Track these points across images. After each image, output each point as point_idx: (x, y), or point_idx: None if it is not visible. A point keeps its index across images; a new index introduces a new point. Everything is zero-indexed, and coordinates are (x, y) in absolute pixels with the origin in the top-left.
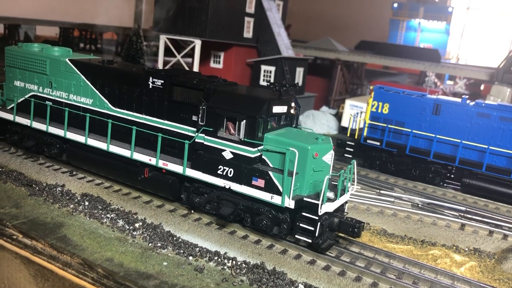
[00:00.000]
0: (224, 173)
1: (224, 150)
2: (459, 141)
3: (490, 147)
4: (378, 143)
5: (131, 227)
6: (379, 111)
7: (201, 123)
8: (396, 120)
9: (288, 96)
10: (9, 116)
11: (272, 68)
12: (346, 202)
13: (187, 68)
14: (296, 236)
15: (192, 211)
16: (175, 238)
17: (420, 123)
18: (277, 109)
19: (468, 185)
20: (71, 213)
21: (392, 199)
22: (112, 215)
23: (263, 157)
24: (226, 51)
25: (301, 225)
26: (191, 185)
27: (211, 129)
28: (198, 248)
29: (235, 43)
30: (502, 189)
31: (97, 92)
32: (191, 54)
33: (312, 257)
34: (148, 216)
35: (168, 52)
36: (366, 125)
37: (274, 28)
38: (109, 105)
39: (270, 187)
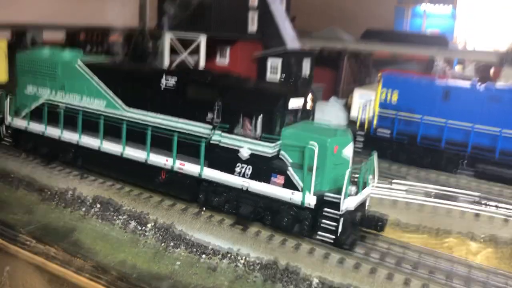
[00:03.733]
0: (242, 171)
1: (241, 147)
2: (471, 126)
3: (503, 131)
4: (389, 132)
5: (143, 228)
6: (388, 98)
7: (216, 121)
8: (406, 107)
9: (304, 90)
10: (22, 124)
11: (279, 61)
12: (368, 196)
13: (192, 65)
14: (319, 233)
15: (204, 209)
16: (187, 237)
17: (430, 109)
18: (294, 103)
19: (482, 171)
20: (83, 217)
21: (405, 189)
22: (124, 217)
23: (281, 153)
24: (232, 46)
25: (323, 221)
26: (209, 185)
27: (227, 127)
28: (210, 247)
29: (240, 38)
30: None
31: (110, 93)
32: (197, 52)
33: (326, 251)
34: (159, 216)
35: (174, 51)
36: (376, 114)
37: (278, 21)
38: (123, 106)
39: (290, 184)
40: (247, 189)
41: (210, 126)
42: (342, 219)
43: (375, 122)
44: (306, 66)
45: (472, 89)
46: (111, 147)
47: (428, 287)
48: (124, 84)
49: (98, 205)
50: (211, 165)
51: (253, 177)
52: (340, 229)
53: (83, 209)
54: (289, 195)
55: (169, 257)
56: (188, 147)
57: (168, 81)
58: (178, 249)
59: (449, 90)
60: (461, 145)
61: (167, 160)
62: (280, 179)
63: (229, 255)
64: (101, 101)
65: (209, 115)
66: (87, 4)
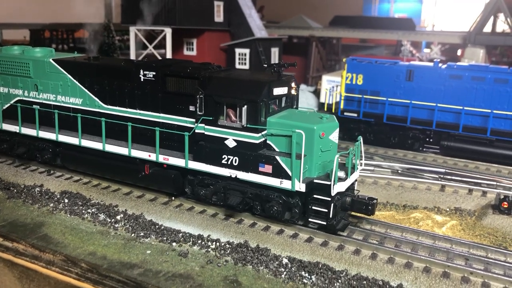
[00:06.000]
0: (229, 162)
1: (226, 139)
2: (434, 104)
3: (465, 108)
4: (355, 115)
5: (113, 219)
6: (354, 82)
7: (199, 113)
8: (371, 90)
9: (287, 77)
10: None
11: (247, 51)
12: (356, 180)
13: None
14: (310, 219)
15: (173, 198)
16: (157, 226)
17: (394, 90)
18: (278, 91)
19: (447, 147)
20: (51, 212)
21: (372, 168)
22: (93, 210)
23: (267, 142)
24: (199, 38)
25: (313, 207)
26: (195, 178)
27: (211, 118)
28: (181, 234)
29: (206, 29)
30: (480, 148)
31: (86, 90)
32: (165, 45)
33: (294, 231)
34: (129, 208)
35: (140, 44)
36: (342, 97)
37: (244, 10)
38: (100, 103)
39: (279, 172)
40: (235, 177)
41: (193, 119)
42: (333, 204)
43: (342, 105)
44: (275, 54)
45: (434, 68)
46: (91, 144)
47: (394, 260)
48: (101, 79)
49: (66, 200)
50: (196, 158)
51: (240, 167)
52: (331, 214)
53: (51, 204)
54: (278, 184)
55: (140, 246)
56: (172, 141)
57: (147, 74)
58: (148, 238)
59: (412, 71)
60: (426, 123)
61: (149, 156)
62: (268, 168)
63: (199, 241)
64: (77, 99)
65: (191, 107)
66: (50, 1)
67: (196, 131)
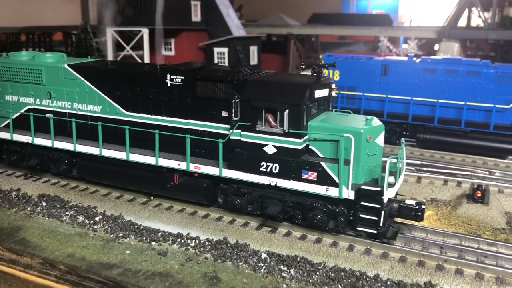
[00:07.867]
0: (268, 170)
1: (265, 145)
2: (410, 98)
3: (439, 101)
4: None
5: (92, 221)
6: None
7: (235, 119)
8: (348, 85)
9: (325, 78)
10: (5, 135)
11: (225, 50)
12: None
13: (139, 60)
14: (358, 228)
15: (152, 197)
16: (136, 226)
17: (370, 85)
18: (319, 93)
19: (423, 140)
20: (29, 216)
21: None
22: (71, 212)
23: (310, 147)
24: (177, 37)
25: (362, 215)
26: (229, 187)
27: (248, 124)
28: (160, 233)
29: (184, 28)
30: (455, 139)
31: (105, 97)
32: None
33: (273, 226)
34: (107, 209)
35: (118, 46)
36: None
37: (222, 9)
38: (122, 110)
39: (324, 179)
40: (275, 185)
41: (226, 125)
42: (383, 211)
43: None
44: (253, 53)
45: (409, 63)
46: (114, 153)
47: (371, 251)
48: (122, 85)
49: (44, 203)
50: (231, 166)
51: (280, 175)
52: (382, 222)
53: (29, 208)
54: (323, 192)
55: (119, 247)
56: (202, 148)
57: (174, 79)
58: (128, 238)
59: (387, 65)
60: (402, 117)
61: (179, 164)
62: (312, 175)
63: (179, 239)
64: (95, 107)
65: (224, 113)
66: (26, 5)
67: (231, 137)
